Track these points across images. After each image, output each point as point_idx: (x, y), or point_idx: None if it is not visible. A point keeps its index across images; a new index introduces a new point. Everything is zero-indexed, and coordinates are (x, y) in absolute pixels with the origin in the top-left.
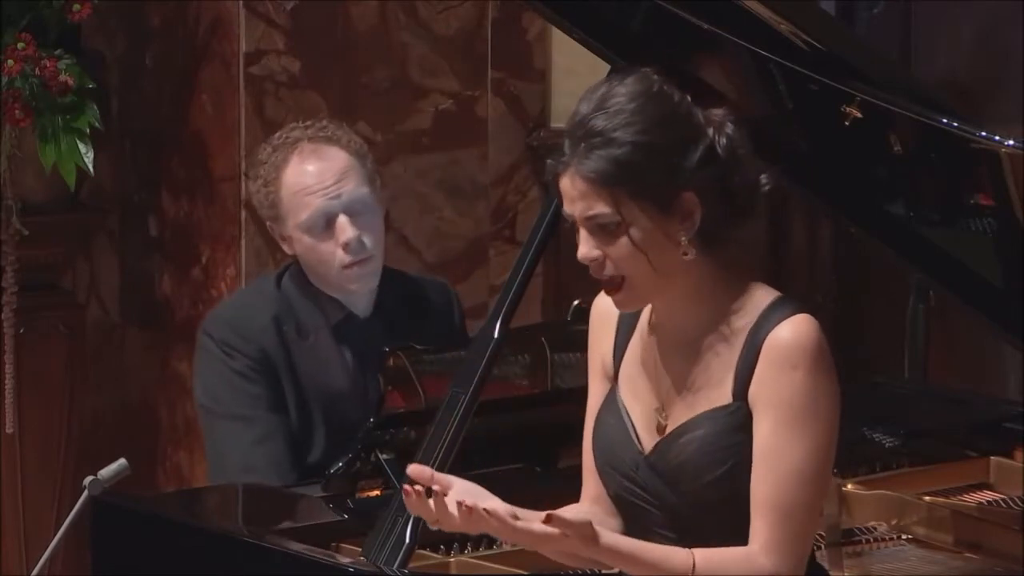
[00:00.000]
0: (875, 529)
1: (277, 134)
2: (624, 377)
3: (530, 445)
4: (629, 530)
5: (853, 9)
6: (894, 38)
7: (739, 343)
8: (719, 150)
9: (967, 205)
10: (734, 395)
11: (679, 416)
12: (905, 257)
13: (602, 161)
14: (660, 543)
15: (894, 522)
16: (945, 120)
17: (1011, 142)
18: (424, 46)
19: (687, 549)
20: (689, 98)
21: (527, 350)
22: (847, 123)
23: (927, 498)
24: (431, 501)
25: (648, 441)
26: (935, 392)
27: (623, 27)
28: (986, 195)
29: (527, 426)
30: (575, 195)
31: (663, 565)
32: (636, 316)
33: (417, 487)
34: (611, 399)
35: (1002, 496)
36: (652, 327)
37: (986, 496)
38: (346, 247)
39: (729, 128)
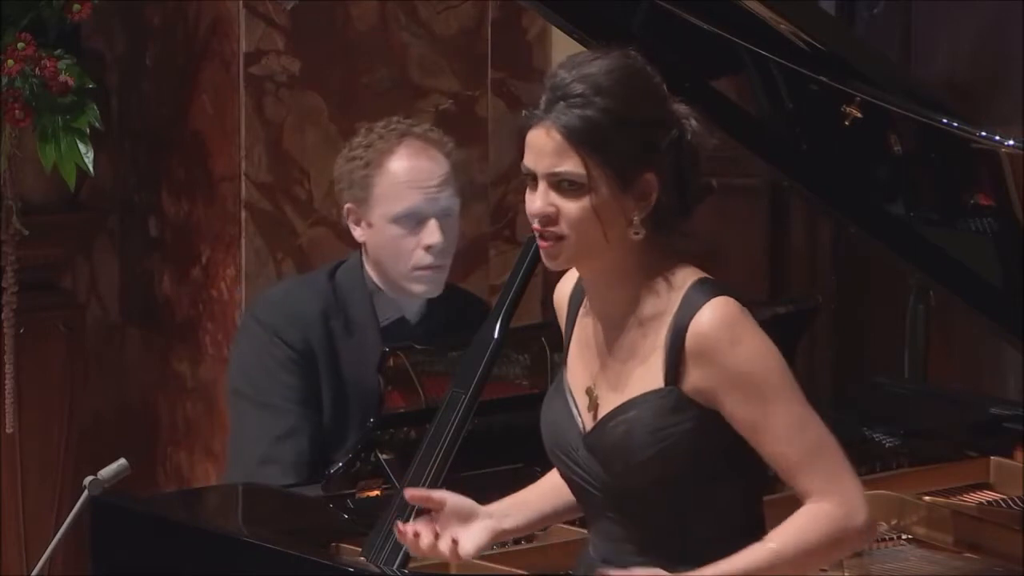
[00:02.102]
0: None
1: (381, 122)
2: (570, 357)
3: (530, 445)
4: (584, 512)
5: (853, 9)
6: (894, 38)
7: (663, 327)
8: (685, 139)
9: (967, 205)
10: (665, 379)
11: (610, 396)
12: (905, 257)
13: (580, 120)
14: (606, 525)
15: (894, 522)
16: (945, 120)
17: (1011, 142)
18: (424, 46)
19: (762, 541)
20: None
21: (527, 350)
22: (847, 123)
23: (927, 498)
24: (423, 541)
25: (588, 421)
26: (935, 392)
27: (623, 27)
28: (986, 195)
29: (527, 426)
30: (547, 149)
31: (753, 568)
32: (582, 297)
33: (410, 527)
34: (558, 381)
35: (1002, 496)
36: (586, 309)
37: (986, 496)
38: (429, 249)
39: (694, 123)
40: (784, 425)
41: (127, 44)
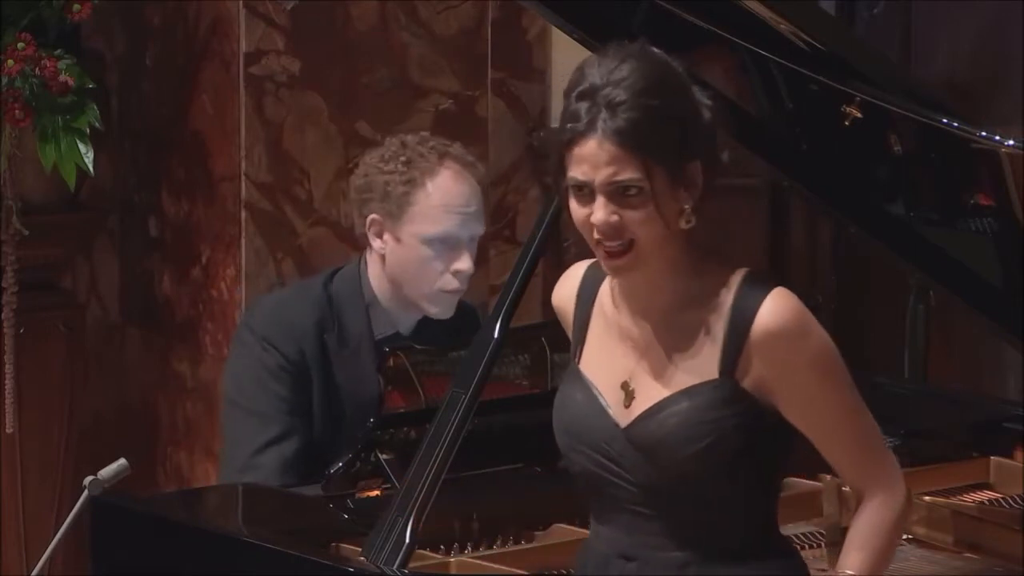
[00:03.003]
0: None
1: (413, 138)
2: (587, 353)
3: (530, 445)
4: (598, 507)
5: (853, 9)
6: (894, 38)
7: (722, 319)
8: (709, 120)
9: (967, 205)
10: (721, 371)
11: (651, 390)
12: (905, 257)
13: (630, 125)
14: (629, 520)
15: None
16: (945, 120)
17: (1011, 142)
18: (424, 46)
19: (837, 570)
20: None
21: (527, 350)
22: (847, 123)
23: (927, 498)
24: None
25: (620, 415)
26: (935, 392)
27: (623, 27)
28: (986, 195)
29: (527, 426)
30: (602, 160)
31: None
32: (593, 293)
33: None
34: (574, 376)
35: (1002, 496)
36: (617, 301)
37: (986, 496)
38: (457, 274)
39: (708, 99)
40: (840, 415)
41: (127, 44)
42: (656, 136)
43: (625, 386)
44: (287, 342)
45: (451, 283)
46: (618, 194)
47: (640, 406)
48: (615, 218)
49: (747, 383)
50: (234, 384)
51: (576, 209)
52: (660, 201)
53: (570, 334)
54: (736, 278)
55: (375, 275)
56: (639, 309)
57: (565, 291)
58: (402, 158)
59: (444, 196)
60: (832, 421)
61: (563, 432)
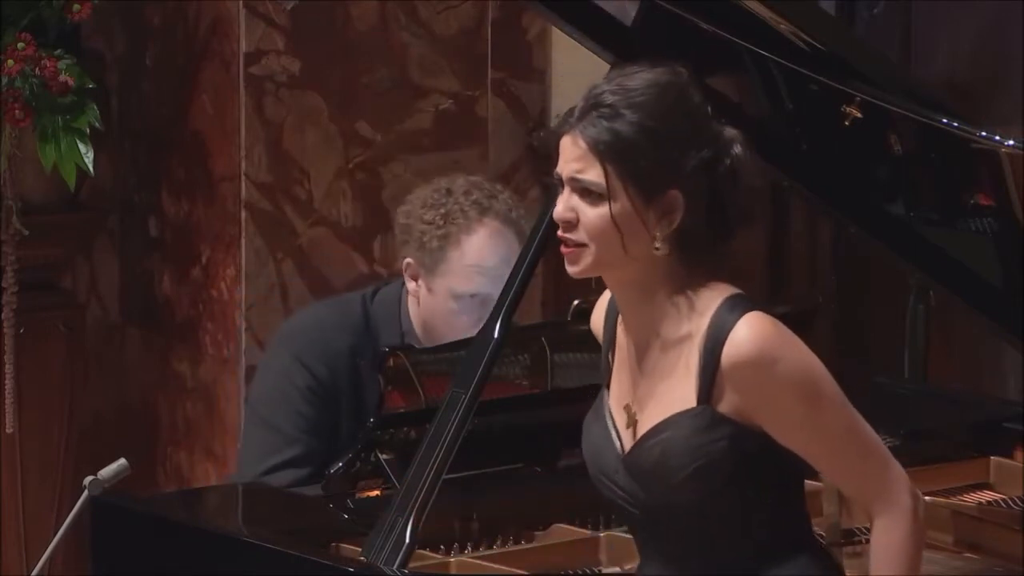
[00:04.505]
0: None
1: (461, 184)
2: (612, 381)
3: (530, 445)
4: (632, 531)
5: (853, 9)
6: (894, 38)
7: (696, 346)
8: (722, 164)
9: (967, 205)
10: (699, 399)
11: (646, 415)
12: (905, 257)
13: (604, 132)
14: (646, 543)
15: None
16: (945, 120)
17: (1011, 142)
18: (424, 46)
19: None
20: (709, 108)
21: (527, 350)
22: (847, 123)
23: (927, 498)
24: None
25: (627, 439)
26: (935, 392)
27: (623, 27)
28: (986, 195)
29: (527, 426)
30: (573, 155)
31: None
32: (615, 318)
33: None
34: (598, 402)
35: (1002, 496)
36: (621, 326)
37: (986, 496)
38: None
39: (737, 148)
40: (832, 436)
41: (127, 44)
42: (629, 150)
43: (628, 408)
44: (320, 363)
45: (472, 331)
46: (580, 192)
47: (638, 431)
48: (571, 214)
49: (725, 409)
50: (260, 395)
51: (556, 205)
52: (618, 213)
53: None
54: (714, 303)
55: (412, 309)
56: (634, 332)
57: (596, 317)
58: (442, 210)
59: (478, 256)
60: (823, 444)
61: (588, 461)
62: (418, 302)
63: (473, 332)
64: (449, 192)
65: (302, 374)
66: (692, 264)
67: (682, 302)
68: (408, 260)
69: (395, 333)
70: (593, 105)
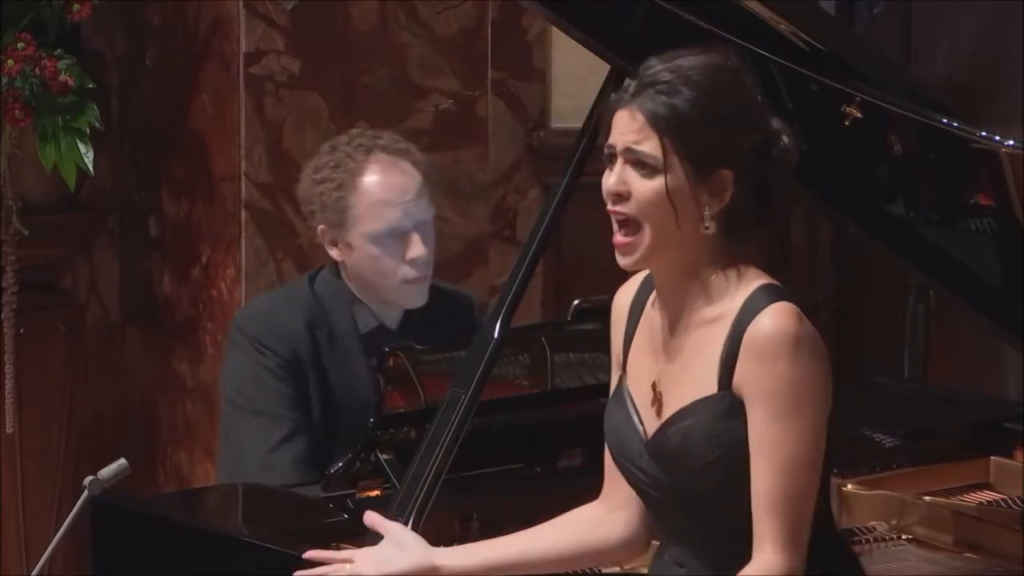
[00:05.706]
0: (875, 529)
1: (343, 138)
2: (631, 363)
3: (530, 445)
4: (652, 514)
5: (853, 9)
6: (894, 38)
7: (723, 331)
8: (773, 149)
9: (967, 205)
10: (720, 384)
11: (673, 399)
12: (905, 257)
13: (662, 106)
14: (672, 527)
15: (894, 522)
16: (945, 120)
17: (1011, 142)
18: (424, 46)
19: None
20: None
21: (527, 350)
22: (847, 123)
23: (927, 498)
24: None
25: (650, 421)
26: (935, 392)
27: (623, 27)
28: (986, 195)
29: (527, 426)
30: (630, 128)
31: None
32: (644, 303)
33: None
34: (619, 389)
35: (1002, 496)
36: (655, 305)
37: (986, 496)
38: (413, 263)
39: (785, 139)
40: (784, 462)
41: (127, 44)
42: (685, 125)
43: (655, 386)
44: (280, 344)
45: (409, 273)
46: (636, 165)
47: (663, 412)
48: (623, 187)
49: (739, 394)
50: (234, 389)
51: (604, 179)
52: (672, 187)
53: (615, 338)
54: (750, 288)
55: (345, 275)
56: (669, 310)
57: (622, 299)
58: (331, 163)
59: (379, 191)
60: (768, 456)
61: (611, 446)
62: (346, 266)
63: (403, 272)
64: (333, 148)
65: (267, 356)
66: (735, 246)
67: (721, 282)
68: (320, 227)
69: (343, 305)
70: (651, 82)
